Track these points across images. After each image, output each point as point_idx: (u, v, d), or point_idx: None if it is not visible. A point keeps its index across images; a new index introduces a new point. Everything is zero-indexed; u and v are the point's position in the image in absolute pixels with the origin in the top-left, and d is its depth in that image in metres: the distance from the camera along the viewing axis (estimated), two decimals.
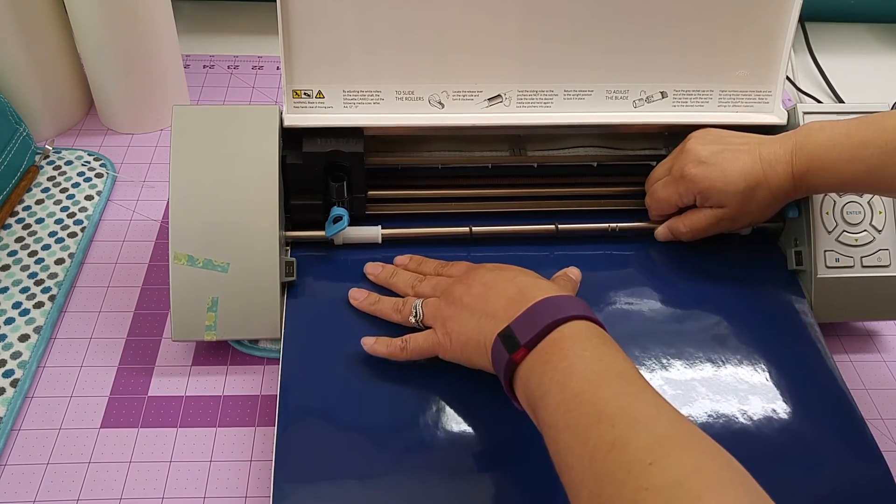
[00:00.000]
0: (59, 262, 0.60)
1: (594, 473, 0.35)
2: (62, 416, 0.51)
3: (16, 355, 0.53)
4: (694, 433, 0.35)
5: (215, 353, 0.55)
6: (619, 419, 0.36)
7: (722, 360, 0.53)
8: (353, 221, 0.57)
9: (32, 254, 0.60)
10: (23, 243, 0.61)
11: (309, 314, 0.54)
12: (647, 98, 0.59)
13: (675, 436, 0.35)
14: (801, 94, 0.85)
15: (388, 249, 0.58)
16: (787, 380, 0.52)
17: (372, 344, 0.51)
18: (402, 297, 0.54)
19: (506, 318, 0.44)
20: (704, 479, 0.32)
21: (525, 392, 0.42)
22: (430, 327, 0.51)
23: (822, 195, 0.57)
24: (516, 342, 0.42)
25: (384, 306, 0.53)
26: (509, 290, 0.46)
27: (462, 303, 0.48)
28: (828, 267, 0.57)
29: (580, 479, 0.35)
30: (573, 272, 0.56)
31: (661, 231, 0.60)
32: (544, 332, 0.42)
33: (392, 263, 0.57)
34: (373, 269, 0.56)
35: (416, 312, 0.51)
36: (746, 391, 0.52)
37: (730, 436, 0.49)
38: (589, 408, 0.37)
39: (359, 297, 0.54)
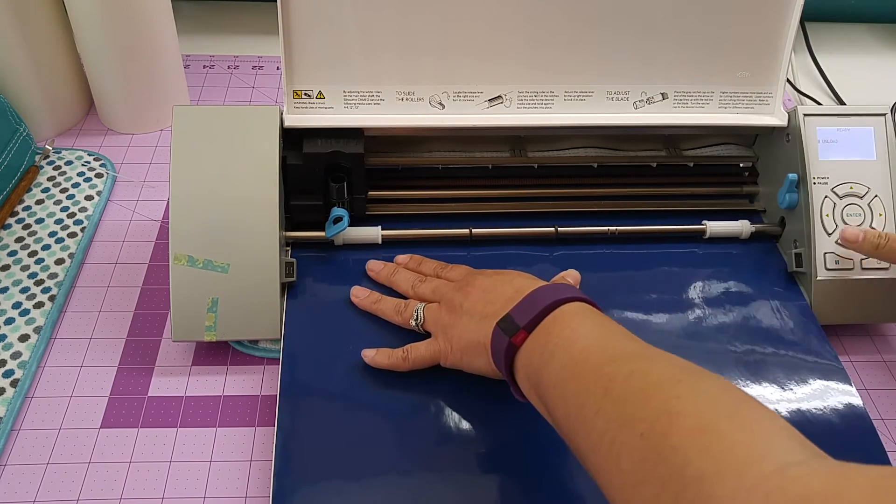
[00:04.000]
0: (59, 262, 0.60)
1: (612, 400, 0.33)
2: (62, 416, 0.51)
3: (16, 355, 0.53)
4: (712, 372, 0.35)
5: (215, 353, 0.55)
6: (634, 357, 0.35)
7: (722, 362, 0.53)
8: (354, 222, 0.57)
9: (32, 254, 0.60)
10: (23, 243, 0.61)
11: (309, 315, 0.54)
12: (648, 99, 0.59)
13: (696, 369, 0.35)
14: (800, 95, 0.85)
15: (388, 250, 0.58)
16: (790, 381, 0.52)
17: (373, 356, 0.51)
18: (403, 295, 0.55)
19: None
20: (738, 397, 0.32)
21: (527, 370, 0.41)
22: (429, 331, 0.51)
23: (823, 196, 0.57)
24: (515, 326, 0.42)
25: (385, 306, 0.53)
26: (507, 291, 0.47)
27: (462, 309, 0.48)
28: (827, 269, 0.57)
29: (594, 412, 0.34)
30: (572, 275, 0.56)
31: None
32: (543, 313, 0.42)
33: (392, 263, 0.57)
34: (374, 266, 0.57)
35: (417, 316, 0.51)
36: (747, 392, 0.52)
37: None
38: (599, 357, 0.37)
39: (360, 295, 0.55)
